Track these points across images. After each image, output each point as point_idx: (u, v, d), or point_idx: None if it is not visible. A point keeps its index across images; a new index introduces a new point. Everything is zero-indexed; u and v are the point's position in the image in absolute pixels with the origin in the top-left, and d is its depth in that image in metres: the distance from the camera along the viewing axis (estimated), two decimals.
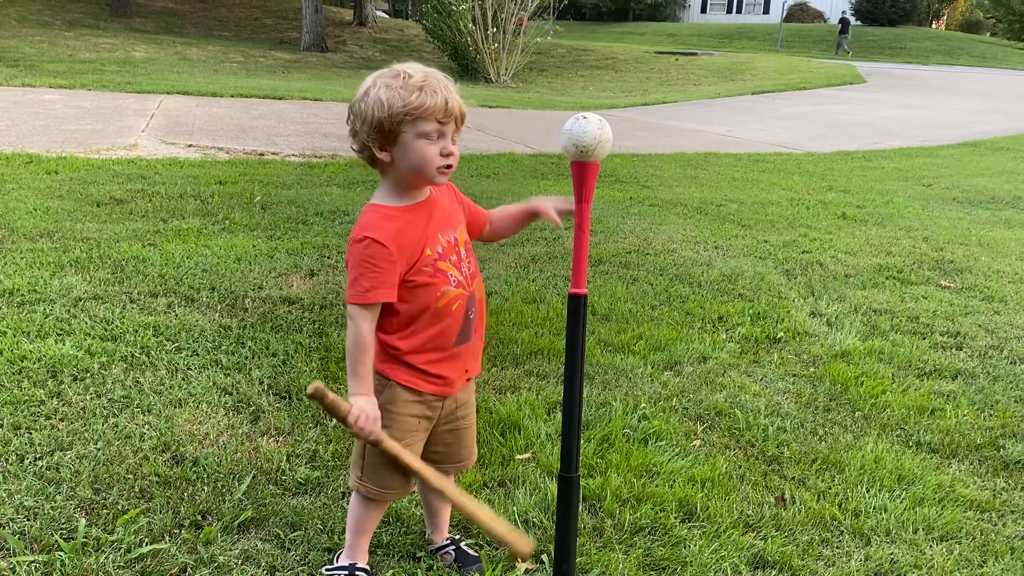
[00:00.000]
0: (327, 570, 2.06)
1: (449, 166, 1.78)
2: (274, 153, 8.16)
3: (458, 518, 2.27)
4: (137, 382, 2.96)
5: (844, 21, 35.97)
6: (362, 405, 1.77)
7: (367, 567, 2.05)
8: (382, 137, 1.74)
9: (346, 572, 2.02)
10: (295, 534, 2.20)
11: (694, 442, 2.86)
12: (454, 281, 1.85)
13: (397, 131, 1.73)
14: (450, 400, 1.95)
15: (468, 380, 1.98)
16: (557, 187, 7.07)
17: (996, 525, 2.47)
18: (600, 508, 2.41)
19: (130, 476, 2.39)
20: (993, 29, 49.69)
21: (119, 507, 2.24)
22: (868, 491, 2.58)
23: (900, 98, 18.85)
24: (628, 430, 2.88)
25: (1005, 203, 7.71)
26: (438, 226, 1.84)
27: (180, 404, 2.84)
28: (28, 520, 2.16)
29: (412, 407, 1.88)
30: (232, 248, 4.58)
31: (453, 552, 2.13)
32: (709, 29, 42.40)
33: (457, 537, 2.18)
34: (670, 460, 2.68)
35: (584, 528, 2.30)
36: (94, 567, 2.00)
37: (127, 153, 7.41)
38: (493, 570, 2.11)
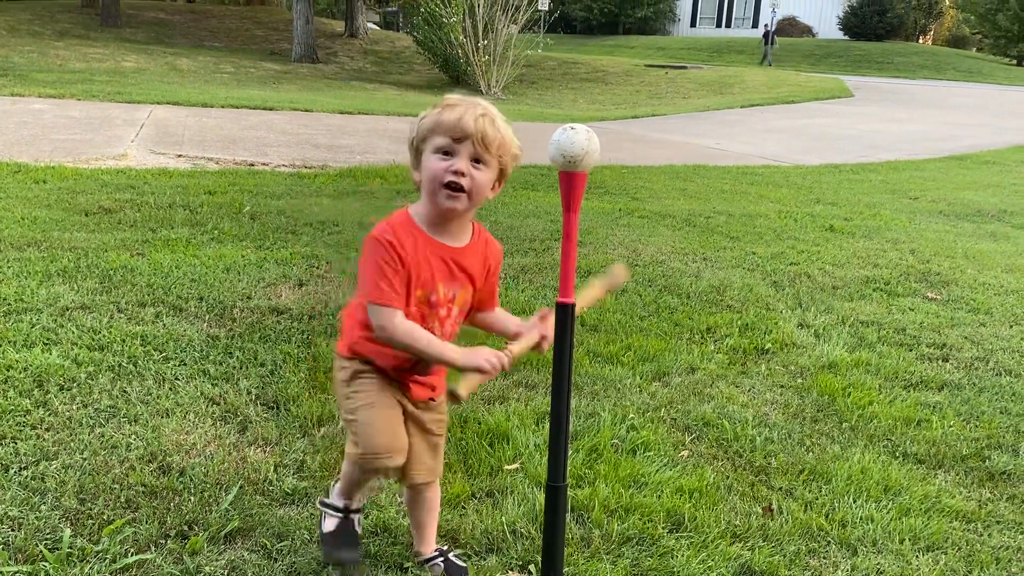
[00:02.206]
0: (322, 502, 2.15)
1: (456, 185, 1.76)
2: (264, 163, 8.16)
3: (445, 529, 2.26)
4: (124, 392, 2.95)
5: (768, 33, 37.48)
6: (472, 356, 1.78)
7: (360, 508, 2.16)
8: (415, 157, 1.83)
9: (340, 516, 2.11)
10: (282, 544, 2.19)
11: (682, 453, 2.87)
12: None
13: (420, 150, 1.80)
14: (421, 404, 1.98)
15: (430, 399, 2.00)
16: (546, 198, 7.10)
17: (982, 535, 2.49)
18: (588, 518, 2.41)
19: (116, 486, 2.38)
20: (979, 44, 50.23)
21: (105, 517, 2.23)
22: (855, 502, 2.59)
23: (888, 112, 19.00)
24: (616, 440, 2.88)
25: (991, 216, 7.78)
26: (446, 275, 1.85)
27: (167, 414, 2.83)
28: (12, 530, 2.15)
29: (376, 375, 1.91)
30: (221, 258, 4.57)
31: (442, 564, 2.12)
32: (699, 43, 42.67)
33: (445, 548, 2.17)
34: (658, 471, 2.69)
35: (572, 538, 2.30)
36: None
37: (116, 163, 7.39)
38: None
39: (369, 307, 1.78)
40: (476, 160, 1.78)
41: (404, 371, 1.92)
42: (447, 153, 1.77)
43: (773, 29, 38.18)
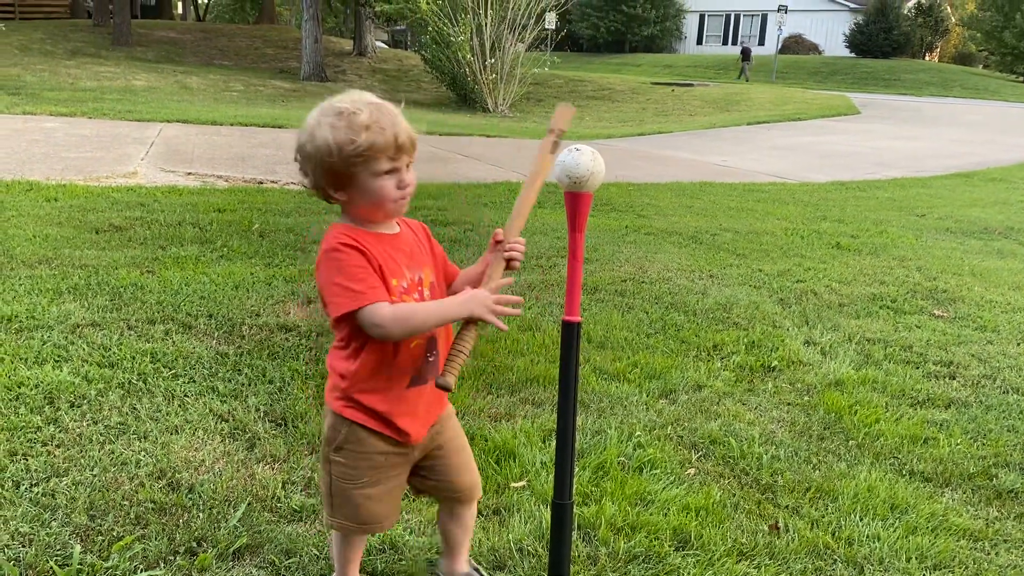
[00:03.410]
0: None
1: (405, 198, 1.74)
2: (273, 181, 8.22)
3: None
4: (134, 409, 2.98)
5: (745, 50, 38.95)
6: (470, 304, 1.70)
7: None
8: (335, 179, 1.70)
9: None
10: (290, 561, 2.20)
11: (688, 470, 2.87)
12: None
13: (350, 173, 1.68)
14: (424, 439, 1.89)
15: (432, 426, 1.91)
16: (552, 215, 7.12)
17: (989, 554, 2.48)
18: (595, 536, 2.41)
19: (126, 503, 2.39)
20: (986, 62, 50.26)
21: (114, 534, 2.25)
22: (861, 520, 2.59)
23: (894, 129, 19.02)
24: (623, 458, 2.89)
25: (998, 233, 7.77)
26: (405, 260, 1.78)
27: (176, 431, 2.85)
28: (23, 546, 2.17)
29: (376, 443, 1.81)
30: (230, 275, 4.60)
31: None
32: (705, 60, 42.84)
33: (477, 567, 2.15)
34: (664, 488, 2.69)
35: (578, 556, 2.31)
36: None
37: (126, 181, 7.46)
38: None
39: (356, 317, 1.68)
40: (408, 163, 1.75)
41: (398, 400, 1.80)
42: (388, 172, 1.70)
43: (748, 46, 40.19)
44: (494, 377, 3.52)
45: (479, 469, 2.70)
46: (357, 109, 1.67)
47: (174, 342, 3.61)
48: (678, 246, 6.36)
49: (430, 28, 22.34)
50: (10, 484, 2.43)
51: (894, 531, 2.54)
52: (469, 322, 1.71)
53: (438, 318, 1.72)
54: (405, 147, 1.70)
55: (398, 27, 41.30)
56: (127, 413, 2.94)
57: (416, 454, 1.91)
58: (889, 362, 4.04)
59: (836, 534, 2.51)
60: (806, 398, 3.57)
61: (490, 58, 22.21)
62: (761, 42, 50.14)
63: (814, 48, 48.78)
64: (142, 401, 3.04)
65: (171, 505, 2.40)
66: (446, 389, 1.70)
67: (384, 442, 1.82)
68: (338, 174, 1.69)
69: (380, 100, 1.73)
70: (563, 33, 26.40)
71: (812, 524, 2.57)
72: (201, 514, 2.37)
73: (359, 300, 1.66)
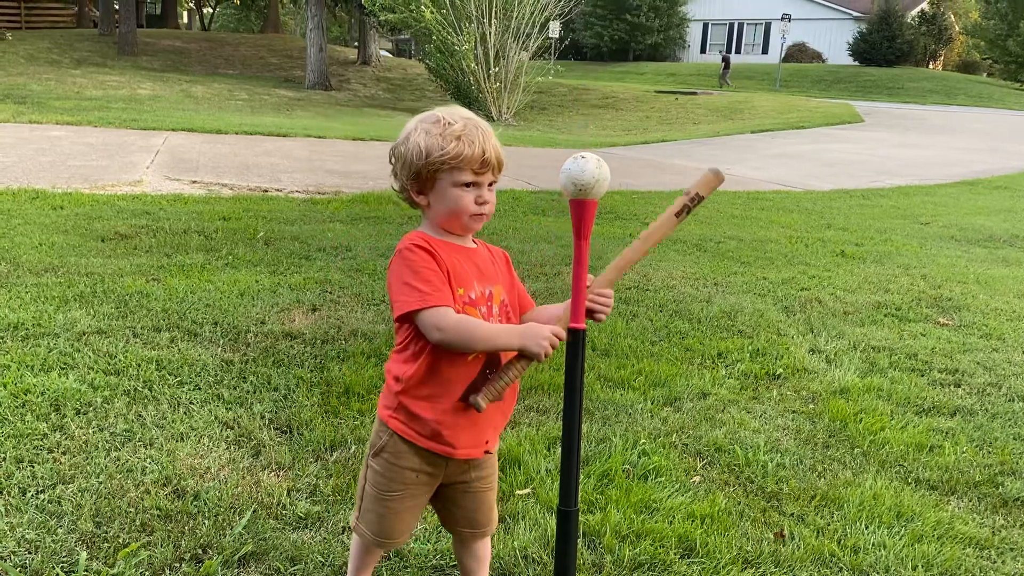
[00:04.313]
0: None
1: (483, 214, 1.78)
2: (278, 189, 8.24)
3: None
4: (139, 416, 2.98)
5: (726, 59, 40.17)
6: (525, 337, 1.69)
7: None
8: (419, 182, 1.76)
9: None
10: (295, 568, 2.21)
11: (694, 478, 2.87)
12: None
13: (434, 178, 1.75)
14: (461, 463, 1.86)
15: (486, 452, 1.87)
16: (557, 224, 7.13)
17: (995, 562, 2.47)
18: (600, 544, 2.41)
19: (131, 510, 2.40)
20: (990, 70, 50.27)
21: (120, 540, 2.25)
22: (867, 528, 2.59)
23: (898, 137, 19.02)
24: (628, 466, 2.88)
25: (1003, 241, 7.76)
26: (475, 272, 1.79)
27: (182, 438, 2.85)
28: (29, 553, 2.17)
29: (412, 459, 1.81)
30: (235, 283, 4.62)
31: None
32: (709, 69, 42.84)
33: None
34: (670, 496, 2.69)
35: (584, 563, 2.30)
36: None
37: (132, 189, 7.49)
38: None
39: (418, 318, 1.68)
40: (489, 184, 1.78)
41: (448, 411, 1.77)
42: (469, 184, 1.75)
43: (728, 55, 41.62)
44: None
45: None
46: (453, 120, 1.74)
47: (179, 350, 3.62)
48: (682, 254, 6.36)
49: (434, 37, 22.42)
50: (16, 491, 2.44)
51: (900, 539, 2.53)
52: (522, 355, 1.72)
53: (495, 342, 1.73)
54: (491, 164, 1.75)
55: (402, 36, 41.41)
56: (133, 420, 2.94)
57: (447, 474, 1.87)
58: (894, 370, 4.04)
59: (842, 542, 2.51)
60: (811, 406, 3.57)
61: (494, 67, 22.28)
62: (765, 51, 50.22)
63: (817, 56, 48.81)
64: (148, 408, 3.05)
65: (177, 512, 2.41)
66: (475, 408, 1.71)
67: (420, 459, 1.81)
68: (423, 178, 1.76)
69: (477, 117, 1.79)
70: (567, 42, 26.48)
71: (817, 532, 2.56)
72: (206, 521, 2.37)
73: (425, 300, 1.67)
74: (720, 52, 45.72)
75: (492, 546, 2.35)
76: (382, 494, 1.85)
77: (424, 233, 1.79)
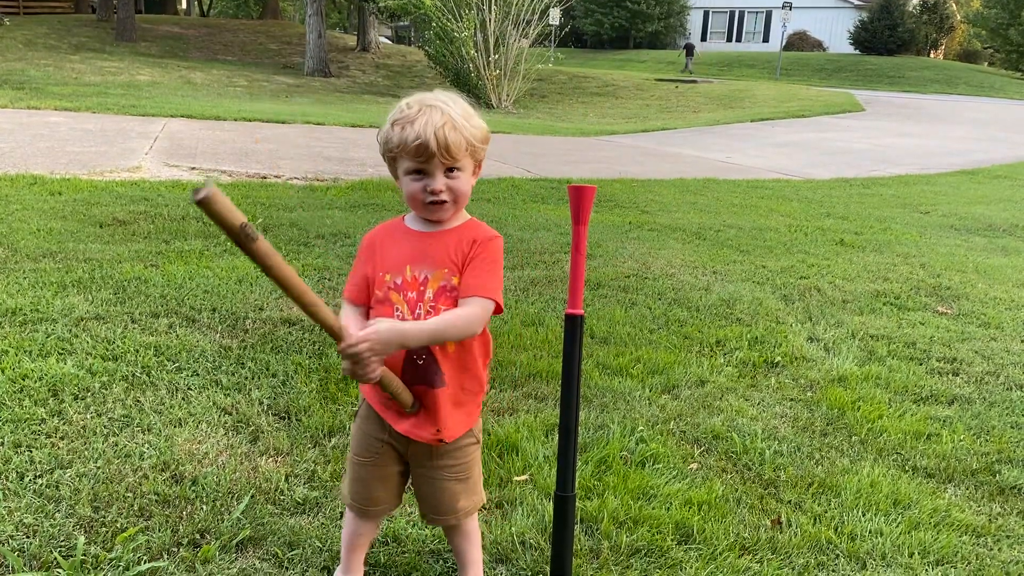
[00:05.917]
0: None
1: (436, 203, 1.73)
2: (277, 176, 8.22)
3: None
4: (137, 401, 2.98)
5: (688, 46, 40.37)
6: (353, 341, 1.68)
7: None
8: (391, 169, 1.80)
9: None
10: (293, 553, 2.21)
11: (691, 465, 2.87)
12: (398, 316, 1.76)
13: (394, 165, 1.77)
14: (422, 446, 1.86)
15: (440, 442, 1.85)
16: (556, 211, 7.12)
17: (991, 550, 2.48)
18: (597, 530, 2.42)
19: (129, 494, 2.40)
20: (991, 59, 50.15)
21: (118, 525, 2.25)
22: (864, 515, 2.59)
23: (898, 126, 18.98)
24: (625, 452, 2.89)
25: (1002, 230, 7.76)
26: (414, 258, 1.77)
27: (180, 424, 2.85)
28: (27, 537, 2.17)
29: (372, 424, 1.89)
30: (234, 269, 4.61)
31: None
32: (709, 57, 42.72)
33: None
34: (667, 483, 2.69)
35: (581, 549, 2.31)
36: None
37: (130, 175, 7.47)
38: None
39: None
40: (450, 169, 1.72)
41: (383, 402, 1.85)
42: (418, 172, 1.71)
43: (692, 42, 42.48)
44: (497, 372, 3.53)
45: (482, 463, 2.71)
46: (410, 105, 1.71)
47: (178, 335, 3.62)
48: (682, 242, 6.36)
49: (434, 24, 22.33)
50: (14, 476, 2.44)
51: (897, 526, 2.54)
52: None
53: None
54: (428, 152, 1.67)
55: (402, 23, 41.24)
56: (131, 406, 2.94)
57: (410, 456, 1.89)
58: (892, 358, 4.04)
59: (839, 529, 2.51)
60: (809, 394, 3.57)
61: (494, 54, 22.20)
62: (766, 39, 50.07)
63: (818, 45, 48.68)
64: (146, 394, 3.05)
65: (175, 497, 2.41)
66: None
67: (380, 425, 1.88)
68: (390, 165, 1.80)
69: (444, 102, 1.71)
70: (567, 29, 26.38)
71: (815, 519, 2.57)
72: (204, 506, 2.37)
73: (344, 291, 1.88)
74: (687, 37, 46.93)
75: (489, 531, 2.36)
76: (354, 456, 1.94)
77: (389, 220, 1.89)
